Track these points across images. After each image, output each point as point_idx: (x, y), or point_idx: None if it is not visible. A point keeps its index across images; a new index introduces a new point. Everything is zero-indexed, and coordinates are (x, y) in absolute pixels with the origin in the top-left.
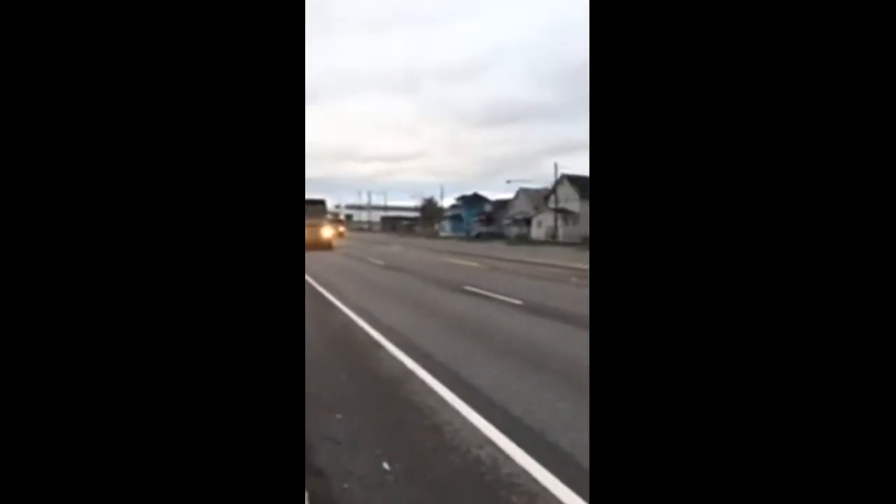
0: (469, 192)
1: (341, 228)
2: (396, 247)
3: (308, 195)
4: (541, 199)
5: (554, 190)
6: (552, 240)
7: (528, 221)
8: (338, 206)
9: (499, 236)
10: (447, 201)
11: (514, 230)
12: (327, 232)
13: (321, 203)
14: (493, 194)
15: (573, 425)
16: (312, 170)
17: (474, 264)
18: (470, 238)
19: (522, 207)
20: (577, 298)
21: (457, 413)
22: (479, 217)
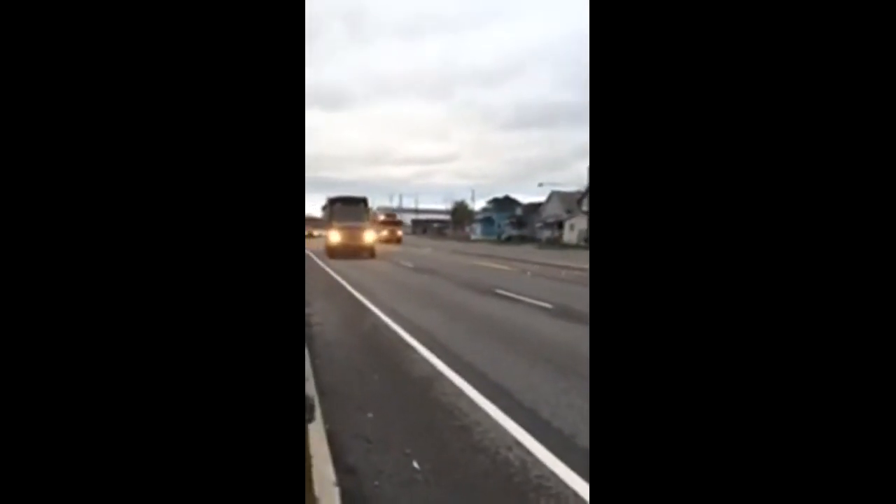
0: (500, 195)
1: (399, 232)
2: (427, 249)
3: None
4: (573, 202)
5: (587, 193)
6: (585, 243)
7: (559, 225)
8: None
9: (530, 239)
10: (478, 204)
11: (545, 233)
12: (369, 236)
13: (362, 202)
14: (524, 197)
15: None
16: (346, 173)
17: (504, 267)
18: (500, 241)
19: (554, 210)
20: None
21: (486, 415)
22: (510, 220)
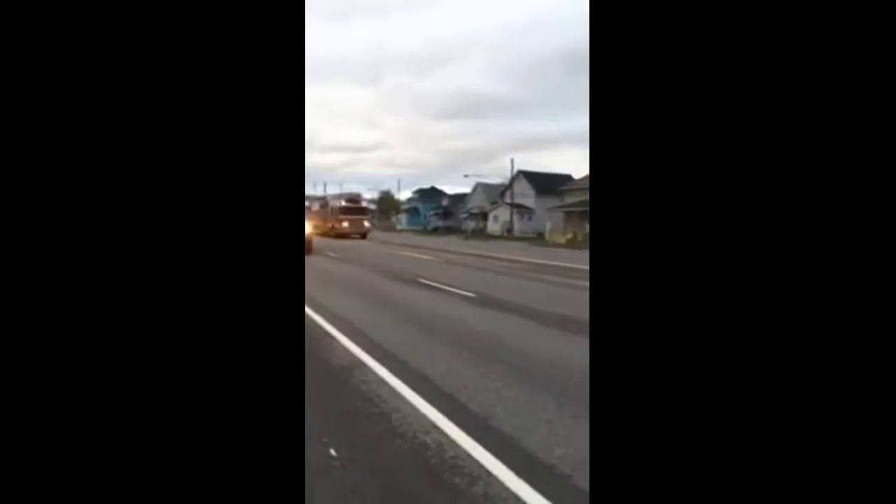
0: (427, 186)
1: (366, 223)
2: (352, 240)
3: None
4: (497, 193)
5: (510, 185)
6: (508, 234)
7: (484, 216)
8: None
9: (455, 230)
10: (404, 194)
11: (470, 224)
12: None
13: None
14: (451, 188)
15: (517, 411)
16: None
17: (429, 257)
18: (426, 231)
19: (479, 202)
20: (529, 291)
21: (405, 401)
22: (436, 211)
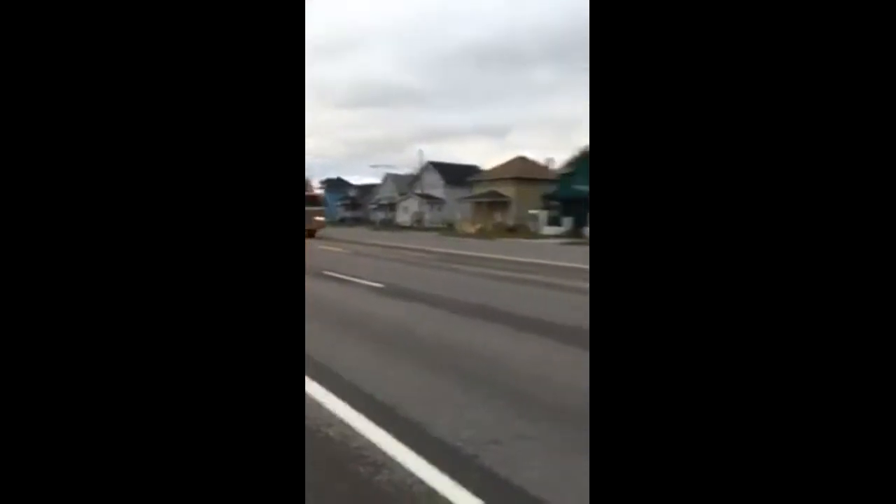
0: (333, 176)
1: (318, 218)
2: None
3: None
4: (407, 184)
5: (419, 176)
6: (418, 225)
7: (392, 207)
8: None
9: (364, 221)
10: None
11: (379, 215)
12: None
13: None
14: (358, 179)
15: (424, 398)
16: None
17: (337, 249)
18: (334, 223)
19: (389, 193)
20: (439, 281)
21: (307, 395)
22: (344, 202)
